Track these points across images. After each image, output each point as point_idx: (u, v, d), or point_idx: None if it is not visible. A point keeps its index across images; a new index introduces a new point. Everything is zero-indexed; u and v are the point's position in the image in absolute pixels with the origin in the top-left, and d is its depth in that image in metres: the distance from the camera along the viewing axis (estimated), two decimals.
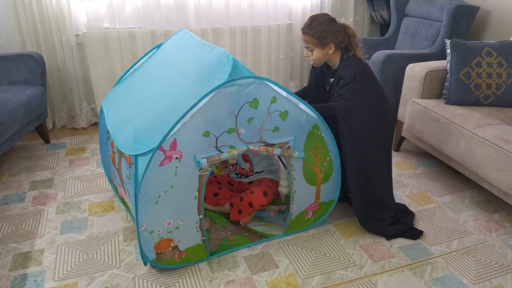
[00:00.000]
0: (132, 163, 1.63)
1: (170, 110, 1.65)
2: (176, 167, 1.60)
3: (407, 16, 3.42)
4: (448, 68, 2.49)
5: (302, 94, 2.20)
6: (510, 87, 2.39)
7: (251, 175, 2.15)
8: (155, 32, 3.10)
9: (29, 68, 2.74)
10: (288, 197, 2.04)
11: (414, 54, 2.92)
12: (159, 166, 1.57)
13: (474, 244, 1.96)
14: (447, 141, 2.28)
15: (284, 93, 1.71)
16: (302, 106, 1.77)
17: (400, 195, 2.35)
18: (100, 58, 3.05)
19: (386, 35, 3.53)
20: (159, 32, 3.10)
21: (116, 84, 2.25)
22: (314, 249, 1.91)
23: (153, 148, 1.55)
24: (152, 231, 1.66)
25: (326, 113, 1.87)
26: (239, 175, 2.18)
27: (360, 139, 1.90)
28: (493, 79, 2.38)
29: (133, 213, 1.70)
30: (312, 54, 1.96)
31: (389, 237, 1.98)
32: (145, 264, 1.75)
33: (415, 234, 1.99)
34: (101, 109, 2.12)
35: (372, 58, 2.85)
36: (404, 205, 2.19)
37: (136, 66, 2.24)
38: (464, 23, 3.01)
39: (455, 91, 2.42)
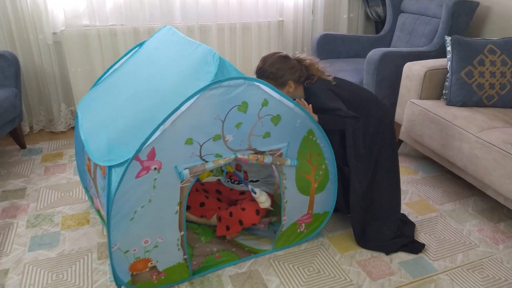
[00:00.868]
0: (106, 175, 1.45)
1: (149, 115, 1.48)
2: (155, 179, 1.43)
3: (403, 12, 3.26)
4: (448, 67, 2.33)
5: None
6: None
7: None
8: (138, 29, 2.92)
9: (0, 68, 2.55)
10: (279, 206, 1.88)
11: (411, 52, 2.76)
12: (135, 178, 1.40)
13: (480, 258, 1.81)
14: (449, 145, 2.13)
15: (276, 96, 1.55)
16: (297, 109, 1.60)
17: None
18: (79, 58, 2.86)
19: (382, 33, 3.37)
20: (142, 29, 2.92)
21: (94, 86, 2.07)
22: (307, 266, 1.75)
23: (129, 159, 1.37)
24: (127, 251, 1.48)
25: (333, 125, 1.74)
26: (232, 180, 2.02)
27: (366, 148, 1.77)
28: (497, 78, 2.23)
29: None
30: None
31: (388, 251, 1.82)
32: (119, 287, 1.57)
33: (417, 247, 1.84)
34: (77, 113, 1.94)
35: (367, 56, 2.70)
36: (403, 215, 2.03)
37: (116, 66, 2.07)
38: (464, 20, 2.86)
39: (457, 91, 2.27)
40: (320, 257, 1.80)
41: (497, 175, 1.89)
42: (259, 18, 3.18)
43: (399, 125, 2.58)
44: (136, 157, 1.37)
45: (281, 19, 3.27)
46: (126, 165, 1.37)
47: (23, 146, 2.80)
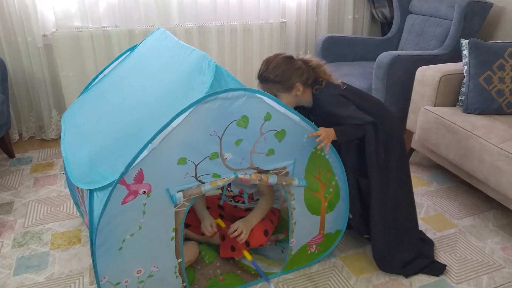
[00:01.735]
0: (87, 199, 1.29)
1: (136, 130, 1.32)
2: (144, 204, 1.28)
3: (412, 13, 3.12)
4: (465, 72, 2.19)
5: None
6: None
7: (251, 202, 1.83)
8: (133, 31, 2.76)
9: None
10: (286, 221, 1.73)
11: (422, 55, 2.62)
12: (122, 204, 1.24)
13: (507, 281, 1.67)
14: (469, 156, 1.99)
15: (281, 109, 1.39)
16: (304, 124, 1.45)
17: None
18: (70, 61, 2.70)
19: (389, 35, 3.23)
20: (138, 31, 2.77)
21: (81, 94, 1.91)
22: None
23: (113, 181, 1.21)
24: (118, 283, 1.33)
25: (352, 135, 1.60)
26: (236, 200, 1.86)
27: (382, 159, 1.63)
28: None
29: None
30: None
31: (408, 274, 1.67)
32: None
33: (438, 269, 1.69)
34: (62, 125, 1.78)
35: (377, 60, 2.55)
36: (421, 232, 1.89)
37: (106, 72, 1.91)
38: (477, 21, 2.72)
39: (474, 98, 2.13)
40: (333, 281, 1.65)
41: None
42: (260, 19, 3.03)
43: (411, 133, 2.44)
44: (121, 180, 1.21)
45: (284, 20, 3.12)
46: (110, 189, 1.21)
47: (11, 155, 2.63)
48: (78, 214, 2.03)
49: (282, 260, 1.72)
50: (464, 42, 2.21)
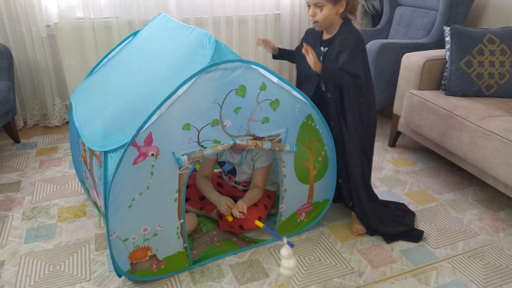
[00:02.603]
0: (102, 162, 1.42)
1: (145, 101, 1.45)
2: (153, 166, 1.40)
3: (400, 5, 3.25)
4: (447, 57, 2.33)
5: (291, 57, 1.92)
6: None
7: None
8: (133, 22, 2.89)
9: None
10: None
11: (410, 43, 2.75)
12: (133, 164, 1.37)
13: (481, 246, 1.80)
14: (449, 134, 2.12)
15: (274, 79, 1.52)
16: (295, 93, 1.58)
17: (399, 193, 2.18)
18: (73, 51, 2.82)
19: (379, 26, 3.36)
20: (137, 22, 2.89)
21: (87, 76, 2.03)
22: (308, 254, 1.73)
23: (125, 144, 1.34)
24: (126, 239, 1.45)
25: (332, 78, 1.62)
26: (236, 182, 1.98)
27: (363, 120, 1.72)
28: (496, 68, 2.22)
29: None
30: (321, 11, 1.63)
31: (389, 240, 1.81)
32: (119, 276, 1.54)
33: (417, 236, 1.82)
34: (71, 103, 1.90)
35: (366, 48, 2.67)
36: (403, 204, 2.02)
37: (110, 56, 2.03)
38: (462, 11, 2.85)
39: (456, 81, 2.26)
40: (321, 246, 1.78)
41: (497, 163, 1.88)
42: (255, 11, 3.16)
43: (398, 117, 2.57)
44: (133, 142, 1.34)
45: (278, 12, 3.25)
46: (122, 150, 1.34)
47: (17, 140, 2.75)
48: (83, 191, 2.16)
49: (274, 230, 1.85)
50: (447, 29, 2.34)
